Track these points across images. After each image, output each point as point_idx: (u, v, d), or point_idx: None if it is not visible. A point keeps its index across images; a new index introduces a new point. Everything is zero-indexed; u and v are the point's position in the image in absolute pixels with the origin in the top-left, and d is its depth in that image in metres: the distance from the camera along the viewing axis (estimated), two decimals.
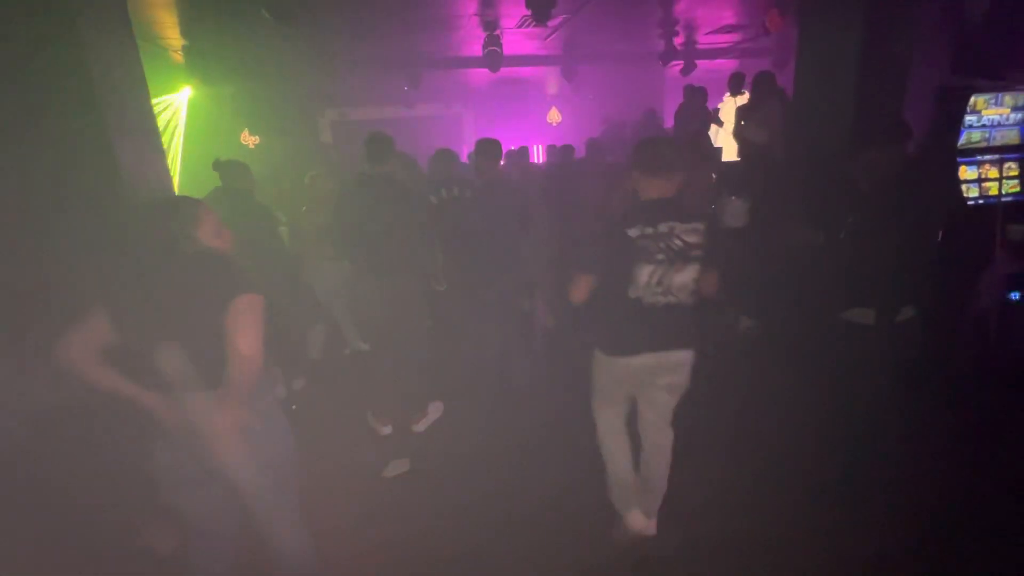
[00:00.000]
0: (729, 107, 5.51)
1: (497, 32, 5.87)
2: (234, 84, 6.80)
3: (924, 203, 2.06)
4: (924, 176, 2.26)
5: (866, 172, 2.07)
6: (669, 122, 6.98)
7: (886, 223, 2.00)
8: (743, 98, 5.32)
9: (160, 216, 1.49)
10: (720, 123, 5.63)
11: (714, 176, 4.29)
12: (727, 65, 7.70)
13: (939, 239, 2.18)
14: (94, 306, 1.40)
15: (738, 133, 4.46)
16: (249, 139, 8.20)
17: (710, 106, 5.78)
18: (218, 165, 3.18)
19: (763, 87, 4.39)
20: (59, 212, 2.31)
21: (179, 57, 5.91)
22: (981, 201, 3.17)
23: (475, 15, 5.31)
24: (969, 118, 3.10)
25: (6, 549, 1.88)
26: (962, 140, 3.13)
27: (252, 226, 3.07)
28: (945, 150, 3.13)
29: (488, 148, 3.00)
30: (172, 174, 4.65)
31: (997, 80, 3.06)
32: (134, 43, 2.85)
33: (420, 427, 3.11)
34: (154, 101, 3.78)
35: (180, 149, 6.77)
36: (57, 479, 2.08)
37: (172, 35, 5.22)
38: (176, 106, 6.74)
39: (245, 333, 1.39)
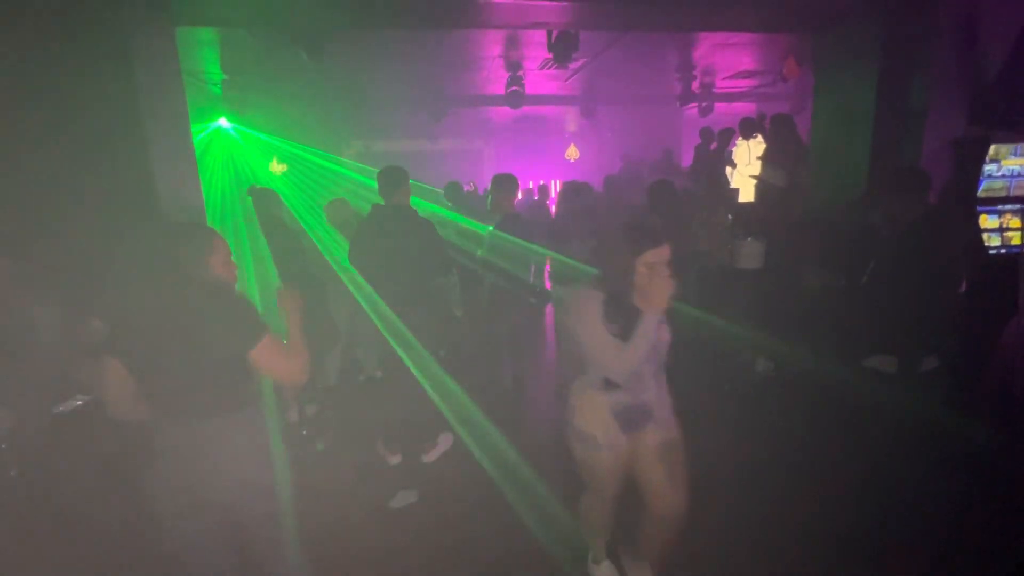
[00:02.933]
0: (742, 150, 5.59)
1: (520, 73, 6.10)
2: (266, 116, 7.13)
3: (945, 251, 2.06)
4: (944, 224, 2.26)
5: (887, 218, 2.09)
6: (686, 162, 7.08)
7: (908, 270, 2.00)
8: (755, 141, 5.41)
9: (176, 242, 1.52)
10: (733, 165, 5.71)
11: (730, 217, 4.31)
12: (745, 108, 7.85)
13: (963, 289, 2.16)
14: (106, 352, 1.44)
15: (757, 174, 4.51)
16: (277, 167, 8.52)
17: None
18: (252, 192, 3.32)
19: (780, 128, 4.46)
20: (99, 228, 2.43)
21: (216, 89, 6.24)
22: (1003, 250, 3.14)
23: (500, 57, 5.54)
24: (988, 167, 3.11)
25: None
26: (982, 189, 3.13)
27: (281, 250, 3.18)
28: (965, 199, 3.12)
29: (504, 183, 3.08)
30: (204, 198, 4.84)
31: (1014, 130, 3.08)
32: (180, 77, 3.05)
33: (430, 458, 3.08)
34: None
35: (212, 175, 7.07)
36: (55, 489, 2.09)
37: (212, 69, 5.53)
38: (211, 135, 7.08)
39: (280, 366, 1.54)
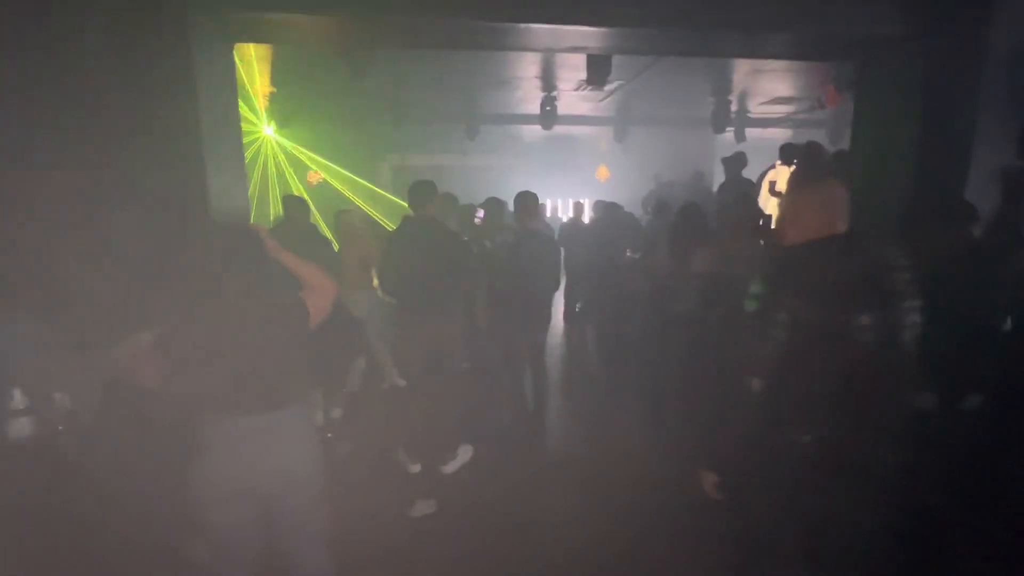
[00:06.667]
0: (783, 175, 5.49)
1: (554, 93, 6.21)
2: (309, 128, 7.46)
3: (990, 286, 1.99)
4: (990, 259, 2.18)
5: (928, 253, 2.03)
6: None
7: (949, 305, 1.93)
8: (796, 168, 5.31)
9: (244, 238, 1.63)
10: (779, 195, 5.60)
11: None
12: (780, 135, 7.76)
13: (1008, 326, 2.08)
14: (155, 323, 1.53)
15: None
16: (314, 178, 8.83)
17: (757, 172, 5.79)
18: (286, 200, 3.49)
19: (808, 156, 4.44)
20: (151, 229, 2.58)
21: (264, 102, 6.56)
22: None
23: (536, 77, 5.67)
24: None
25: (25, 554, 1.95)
26: None
27: (312, 256, 3.30)
28: (1012, 232, 3.00)
29: (525, 201, 3.15)
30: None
31: None
32: (236, 90, 3.24)
33: (449, 469, 3.10)
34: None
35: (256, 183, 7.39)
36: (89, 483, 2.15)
37: (262, 83, 5.84)
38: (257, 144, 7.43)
39: (319, 299, 1.79)
